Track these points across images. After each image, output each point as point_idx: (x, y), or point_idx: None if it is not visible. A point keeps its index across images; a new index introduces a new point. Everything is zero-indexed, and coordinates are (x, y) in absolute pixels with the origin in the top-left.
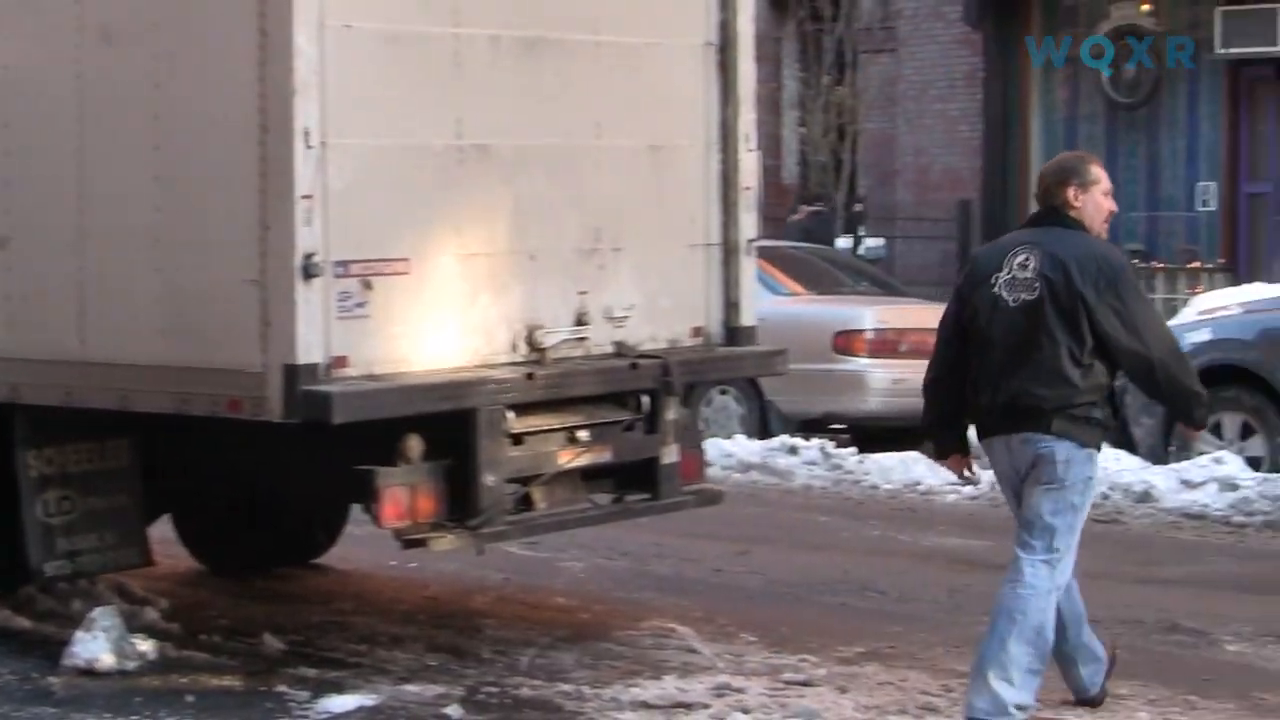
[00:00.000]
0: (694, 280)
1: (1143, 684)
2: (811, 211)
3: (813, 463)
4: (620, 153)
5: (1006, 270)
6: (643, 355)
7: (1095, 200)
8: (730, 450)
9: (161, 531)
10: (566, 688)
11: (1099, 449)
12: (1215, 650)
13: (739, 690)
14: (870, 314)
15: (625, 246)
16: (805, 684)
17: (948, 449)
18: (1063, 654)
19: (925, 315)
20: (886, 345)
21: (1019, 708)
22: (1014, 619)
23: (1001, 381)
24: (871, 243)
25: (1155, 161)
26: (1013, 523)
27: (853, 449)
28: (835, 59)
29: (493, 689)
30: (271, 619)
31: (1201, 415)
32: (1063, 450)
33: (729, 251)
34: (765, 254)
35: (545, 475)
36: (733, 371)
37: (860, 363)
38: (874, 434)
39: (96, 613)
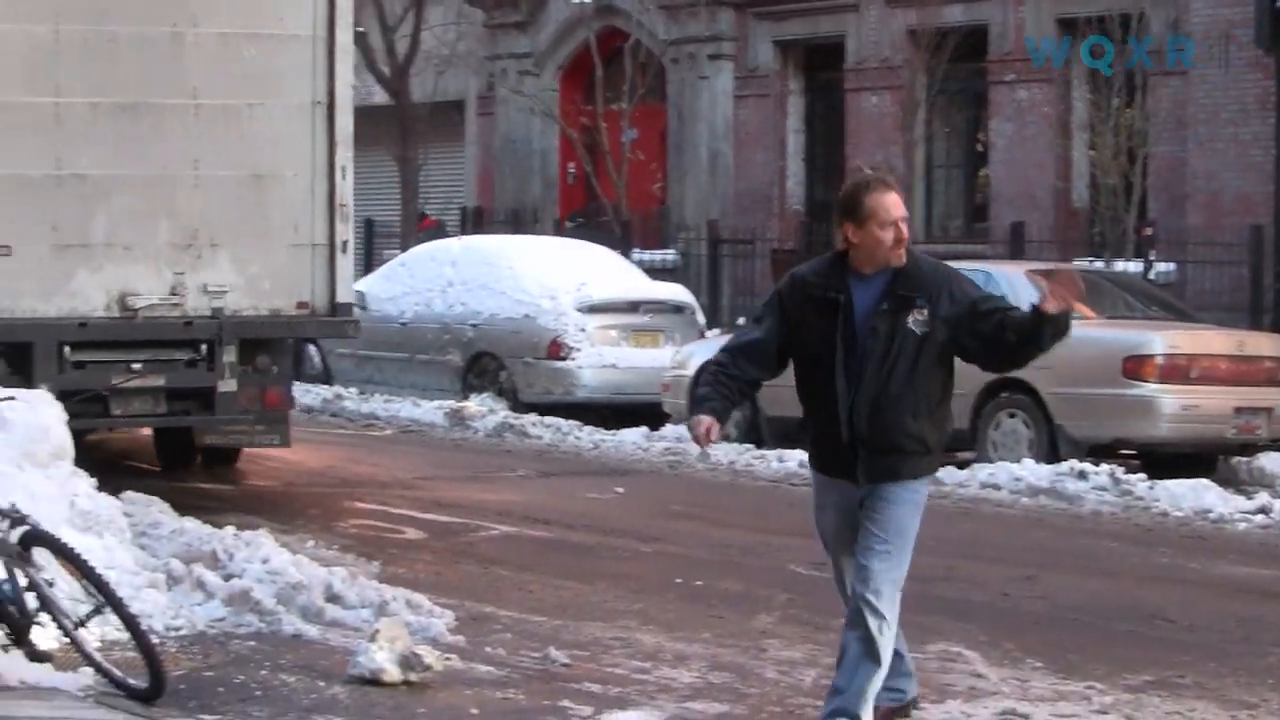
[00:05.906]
0: (299, 268)
1: None
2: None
3: (1102, 488)
4: (219, 179)
5: None
6: (208, 318)
7: (872, 234)
8: (1019, 474)
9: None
10: None
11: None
12: None
13: (1024, 716)
14: (1161, 339)
15: (223, 243)
16: (1091, 711)
17: None
18: None
19: (1216, 341)
20: (1177, 370)
21: None
22: None
23: None
24: (1162, 267)
25: None
26: None
27: (1142, 475)
28: (1125, 81)
29: (776, 709)
30: (556, 634)
31: None
32: None
33: (332, 250)
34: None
35: (96, 390)
36: (293, 331)
37: (1150, 388)
38: (1164, 460)
39: (383, 624)
